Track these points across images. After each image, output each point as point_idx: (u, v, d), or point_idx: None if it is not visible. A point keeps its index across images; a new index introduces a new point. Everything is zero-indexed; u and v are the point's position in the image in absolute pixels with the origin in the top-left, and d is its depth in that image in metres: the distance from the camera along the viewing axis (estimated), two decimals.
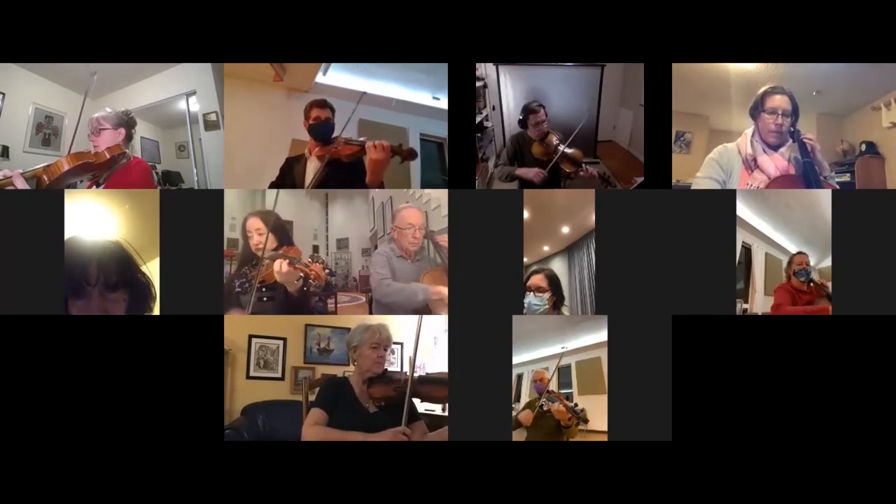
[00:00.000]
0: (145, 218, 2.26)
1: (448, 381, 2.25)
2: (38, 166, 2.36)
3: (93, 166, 2.41)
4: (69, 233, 2.21)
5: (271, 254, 2.48)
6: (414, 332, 2.22)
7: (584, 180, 2.62)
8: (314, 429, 2.16)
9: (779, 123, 2.33)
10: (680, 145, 2.48)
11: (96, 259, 1.67)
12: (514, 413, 2.32)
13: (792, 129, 2.35)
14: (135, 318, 1.89)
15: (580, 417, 2.35)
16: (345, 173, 2.53)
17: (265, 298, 2.50)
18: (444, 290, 2.31)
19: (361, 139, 2.52)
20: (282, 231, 2.63)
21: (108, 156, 2.42)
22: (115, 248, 1.72)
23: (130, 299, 1.72)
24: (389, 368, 2.32)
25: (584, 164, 2.63)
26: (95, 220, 2.27)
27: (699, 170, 2.38)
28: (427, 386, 2.27)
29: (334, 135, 2.58)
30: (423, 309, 2.43)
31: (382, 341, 2.30)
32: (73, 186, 2.48)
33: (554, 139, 2.67)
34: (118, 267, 1.69)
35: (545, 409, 2.37)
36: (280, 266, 2.40)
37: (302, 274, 2.43)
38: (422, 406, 2.41)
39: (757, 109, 2.36)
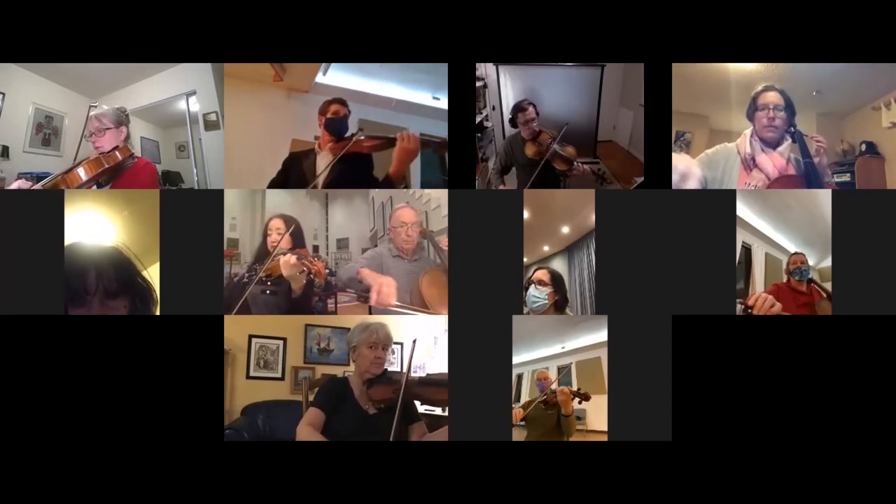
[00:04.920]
0: (144, 222, 2.25)
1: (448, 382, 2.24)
2: (55, 175, 2.35)
3: (108, 171, 2.41)
4: (68, 239, 2.20)
5: (282, 250, 2.50)
6: (412, 332, 2.21)
7: (578, 178, 2.61)
8: (307, 430, 2.16)
9: (771, 117, 2.33)
10: (680, 145, 2.47)
11: (95, 267, 1.63)
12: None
13: (793, 128, 2.35)
14: (135, 318, 1.88)
15: (582, 395, 2.34)
16: (355, 167, 2.52)
17: (268, 291, 2.52)
18: (388, 297, 2.26)
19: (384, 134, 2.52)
20: (298, 236, 2.68)
21: (119, 157, 2.43)
22: (115, 254, 1.68)
23: (131, 305, 1.68)
24: (389, 369, 2.31)
25: (576, 162, 2.63)
26: (94, 226, 2.27)
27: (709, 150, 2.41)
28: (427, 388, 2.25)
29: (348, 133, 2.57)
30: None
31: (380, 341, 2.28)
32: None
33: (547, 137, 2.67)
34: (117, 273, 1.65)
35: (553, 393, 2.36)
36: (288, 258, 2.41)
37: (305, 268, 2.44)
38: (421, 407, 2.41)
39: (751, 109, 2.37)
